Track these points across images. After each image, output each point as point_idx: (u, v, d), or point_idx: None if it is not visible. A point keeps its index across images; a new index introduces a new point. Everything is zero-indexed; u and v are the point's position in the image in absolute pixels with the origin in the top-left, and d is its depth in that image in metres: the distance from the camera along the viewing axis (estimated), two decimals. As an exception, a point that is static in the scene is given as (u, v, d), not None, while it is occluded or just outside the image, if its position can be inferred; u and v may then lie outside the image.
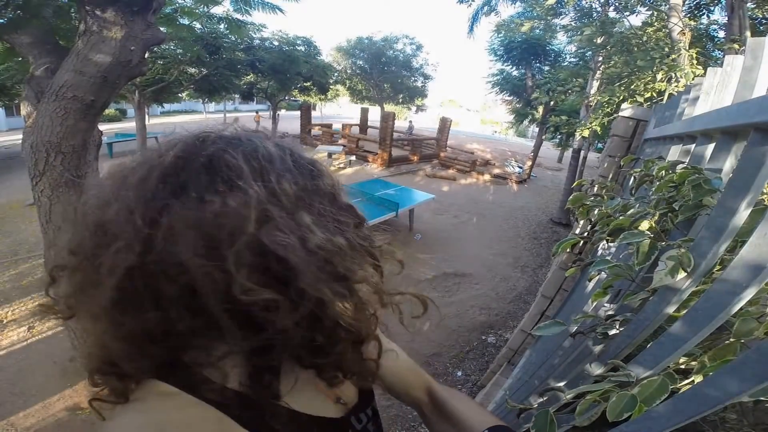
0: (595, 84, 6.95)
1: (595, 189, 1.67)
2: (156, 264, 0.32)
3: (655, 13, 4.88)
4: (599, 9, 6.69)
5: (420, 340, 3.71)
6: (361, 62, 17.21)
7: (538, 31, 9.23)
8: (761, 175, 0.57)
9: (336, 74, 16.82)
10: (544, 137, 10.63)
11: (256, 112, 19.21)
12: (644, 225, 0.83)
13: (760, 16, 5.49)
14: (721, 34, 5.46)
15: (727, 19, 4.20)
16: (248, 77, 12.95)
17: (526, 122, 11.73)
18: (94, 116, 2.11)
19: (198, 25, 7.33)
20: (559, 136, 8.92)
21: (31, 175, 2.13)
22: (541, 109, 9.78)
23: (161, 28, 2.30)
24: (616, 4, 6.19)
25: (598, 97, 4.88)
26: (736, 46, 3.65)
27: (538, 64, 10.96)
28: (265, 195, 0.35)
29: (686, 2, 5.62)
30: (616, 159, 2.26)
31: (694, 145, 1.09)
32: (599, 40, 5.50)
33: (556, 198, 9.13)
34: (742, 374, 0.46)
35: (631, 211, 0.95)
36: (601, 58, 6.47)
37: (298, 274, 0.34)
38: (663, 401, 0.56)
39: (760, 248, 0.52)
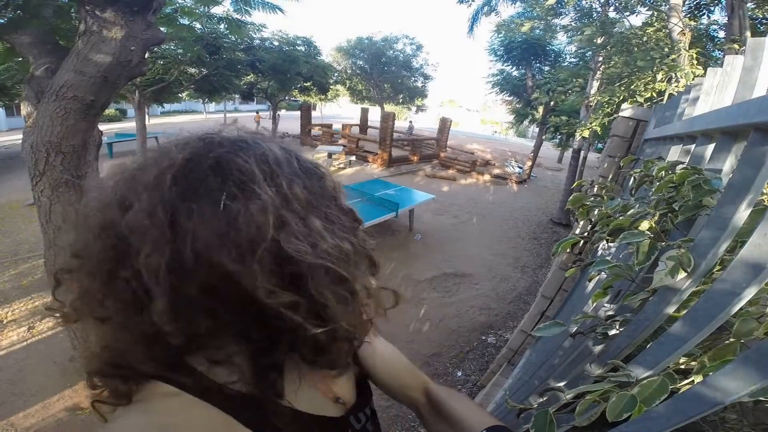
0: (595, 84, 6.95)
1: (595, 189, 1.67)
2: (181, 266, 0.33)
3: (655, 13, 4.88)
4: (599, 9, 6.69)
5: (420, 340, 3.71)
6: (361, 62, 17.22)
7: (538, 31, 9.24)
8: (761, 175, 0.57)
9: (336, 74, 16.83)
10: (544, 137, 10.62)
11: (257, 112, 19.22)
12: (644, 225, 0.83)
13: (760, 16, 5.49)
14: (721, 34, 5.47)
15: (727, 19, 4.20)
16: (248, 77, 12.96)
17: (526, 122, 11.72)
18: (94, 116, 2.11)
19: (198, 25, 7.32)
20: (559, 137, 8.92)
21: (31, 175, 2.13)
22: (541, 109, 9.78)
23: (161, 28, 2.30)
24: (616, 4, 6.19)
25: (598, 97, 4.88)
26: (736, 46, 3.65)
27: (538, 64, 10.96)
28: (279, 200, 0.35)
29: (686, 2, 5.62)
30: (616, 159, 2.26)
31: (694, 146, 1.09)
32: (599, 40, 5.50)
33: (556, 198, 9.14)
34: (742, 374, 0.46)
35: (631, 211, 0.95)
36: (601, 58, 6.47)
37: (308, 278, 0.35)
38: (663, 401, 0.56)
39: (760, 248, 0.52)
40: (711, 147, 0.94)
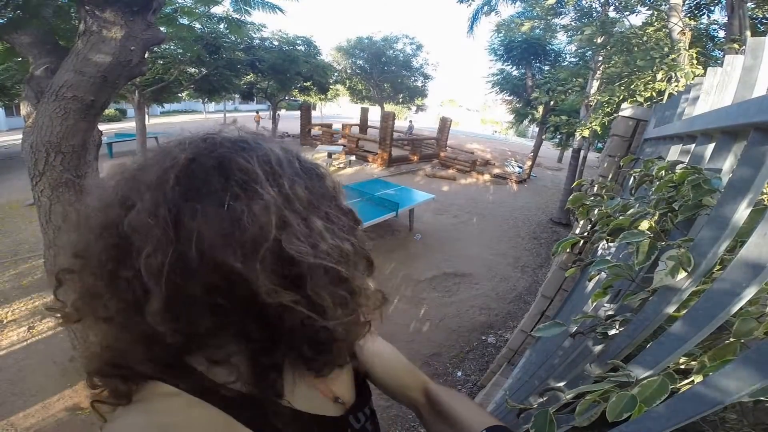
0: (595, 84, 6.95)
1: (595, 189, 1.67)
2: (183, 266, 0.33)
3: (655, 12, 4.88)
4: (599, 9, 6.69)
5: (420, 340, 3.72)
6: (361, 62, 17.20)
7: (538, 30, 9.23)
8: (761, 175, 0.57)
9: (336, 74, 16.83)
10: (544, 137, 10.62)
11: (257, 112, 19.23)
12: (644, 225, 0.83)
13: (760, 16, 5.48)
14: (721, 33, 5.46)
15: (727, 18, 4.19)
16: (248, 77, 12.96)
17: (526, 122, 11.73)
18: (94, 116, 2.11)
19: (198, 25, 7.32)
20: (559, 136, 8.92)
21: (31, 175, 2.13)
22: (541, 108, 9.78)
23: (161, 28, 2.30)
24: (616, 3, 6.18)
25: (598, 97, 4.88)
26: (736, 45, 3.64)
27: (538, 64, 10.96)
28: (281, 200, 0.36)
29: (686, 2, 5.62)
30: (616, 159, 2.26)
31: (694, 145, 1.09)
32: (599, 40, 5.50)
33: (556, 198, 9.13)
34: (742, 374, 0.46)
35: (631, 211, 0.94)
36: (601, 58, 6.46)
37: (308, 278, 0.35)
38: (663, 401, 0.56)
39: (760, 248, 0.52)
40: (711, 147, 0.93)
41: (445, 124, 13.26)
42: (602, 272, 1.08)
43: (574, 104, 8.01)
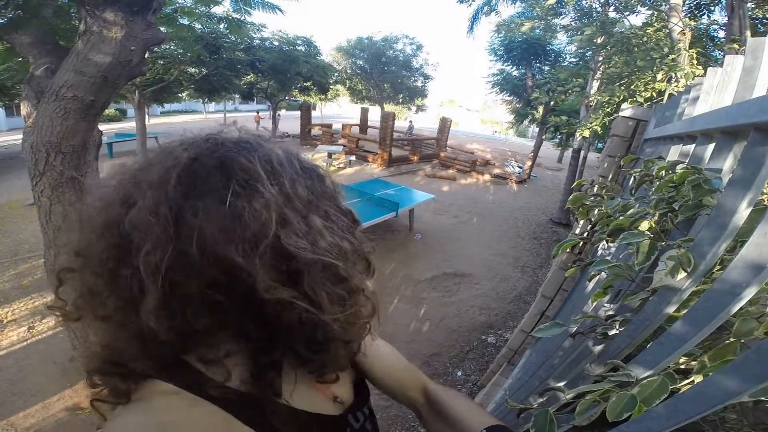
0: (595, 84, 6.95)
1: (595, 189, 1.67)
2: (183, 263, 0.33)
3: (655, 13, 4.88)
4: (599, 9, 6.69)
5: (420, 340, 3.72)
6: (361, 62, 17.21)
7: (538, 31, 9.23)
8: (761, 175, 0.57)
9: (336, 74, 16.84)
10: (544, 137, 10.62)
11: (257, 112, 19.22)
12: (644, 225, 0.83)
13: (761, 16, 5.48)
14: (721, 34, 5.46)
15: (727, 19, 4.19)
16: (248, 77, 12.97)
17: (526, 122, 11.73)
18: (94, 116, 2.11)
19: (198, 25, 7.33)
20: (559, 136, 8.93)
21: (31, 175, 2.13)
22: (541, 109, 9.78)
23: (161, 28, 2.31)
24: (616, 4, 6.19)
25: (598, 97, 4.88)
26: (736, 46, 3.64)
27: (538, 64, 10.96)
28: (281, 199, 0.36)
29: (686, 2, 5.62)
30: (616, 159, 2.26)
31: (694, 145, 1.09)
32: (599, 40, 5.50)
33: (556, 198, 9.13)
34: (742, 374, 0.46)
35: (631, 211, 0.94)
36: (601, 58, 6.47)
37: (306, 275, 0.36)
38: (663, 401, 0.56)
39: (760, 248, 0.52)
40: (711, 147, 0.94)
41: (445, 125, 13.25)
42: (602, 272, 1.07)
43: (574, 104, 8.02)
